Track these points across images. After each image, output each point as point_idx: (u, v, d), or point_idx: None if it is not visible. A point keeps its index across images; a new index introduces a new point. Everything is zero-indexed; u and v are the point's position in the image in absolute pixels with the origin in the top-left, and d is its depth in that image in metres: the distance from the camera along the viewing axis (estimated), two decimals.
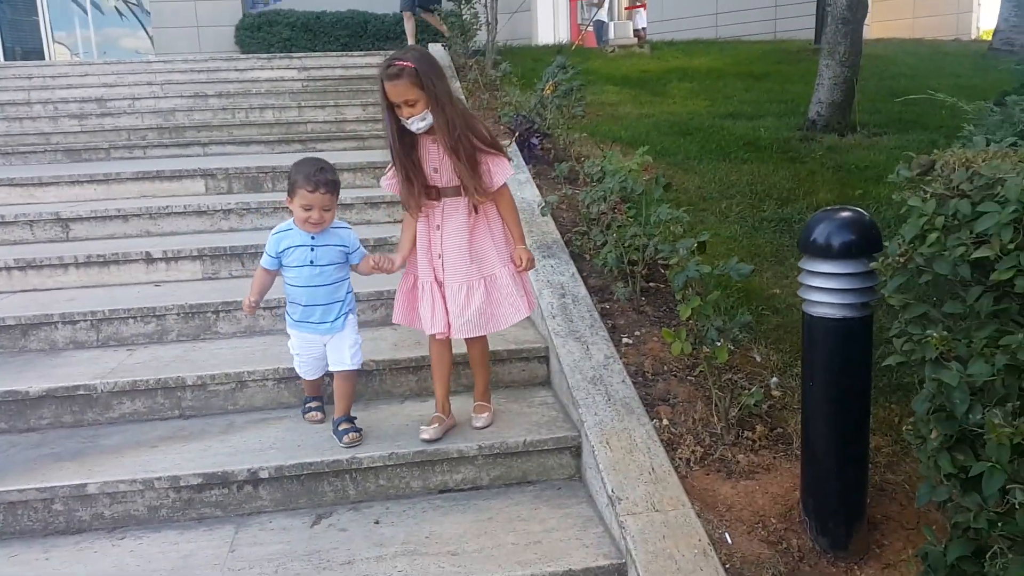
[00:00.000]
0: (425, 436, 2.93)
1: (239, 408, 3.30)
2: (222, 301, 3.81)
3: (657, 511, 2.49)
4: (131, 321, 3.74)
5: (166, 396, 3.26)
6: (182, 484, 2.76)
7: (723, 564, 2.34)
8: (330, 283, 2.97)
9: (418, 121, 2.73)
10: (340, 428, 2.97)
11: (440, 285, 2.92)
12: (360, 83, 8.79)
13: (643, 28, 18.55)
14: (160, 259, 4.30)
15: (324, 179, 2.82)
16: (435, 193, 2.87)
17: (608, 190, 3.81)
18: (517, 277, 2.99)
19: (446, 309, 2.92)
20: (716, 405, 2.92)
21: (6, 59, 14.30)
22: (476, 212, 2.90)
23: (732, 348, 3.24)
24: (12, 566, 2.53)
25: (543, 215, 4.17)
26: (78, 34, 16.11)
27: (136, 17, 16.31)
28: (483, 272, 2.92)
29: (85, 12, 16.15)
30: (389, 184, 2.96)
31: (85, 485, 2.73)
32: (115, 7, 16.41)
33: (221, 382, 3.29)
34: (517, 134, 5.27)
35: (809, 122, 6.63)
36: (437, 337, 2.97)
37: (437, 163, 2.84)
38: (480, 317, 2.92)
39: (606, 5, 20.66)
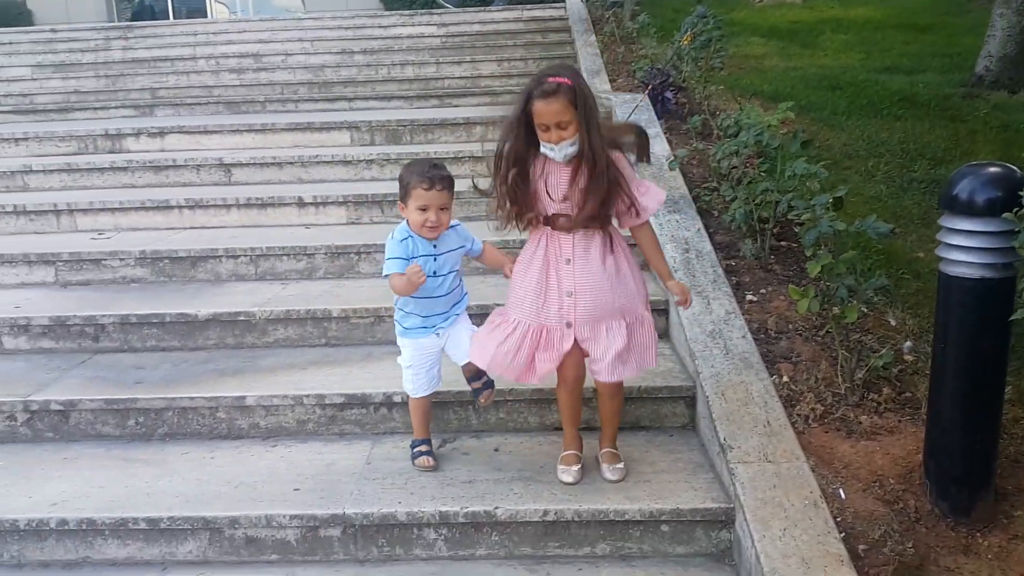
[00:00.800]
0: (567, 479, 2.68)
1: (377, 340, 3.56)
2: (363, 244, 4.09)
3: (769, 462, 2.53)
4: (285, 258, 4.08)
5: (315, 325, 3.57)
6: (327, 402, 3.05)
7: (834, 517, 2.35)
8: (451, 291, 2.71)
9: (567, 147, 2.41)
10: (473, 386, 2.86)
11: (569, 327, 2.56)
12: (496, 38, 8.93)
13: None
14: (310, 204, 4.63)
15: (439, 175, 2.54)
16: (564, 223, 2.52)
17: (742, 144, 3.76)
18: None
19: (582, 352, 2.59)
20: (842, 365, 2.89)
21: (175, 18, 15.40)
22: (612, 246, 2.56)
23: (865, 311, 3.18)
24: (184, 461, 2.91)
25: (671, 169, 4.17)
26: None
27: None
28: (624, 312, 2.58)
29: None
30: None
31: (244, 397, 3.06)
32: None
33: (362, 316, 3.56)
34: (650, 87, 5.25)
35: (975, 77, 6.18)
36: (568, 379, 2.65)
37: (567, 190, 2.49)
38: (629, 355, 2.58)
39: None
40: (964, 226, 2.24)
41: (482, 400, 2.84)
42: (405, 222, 2.61)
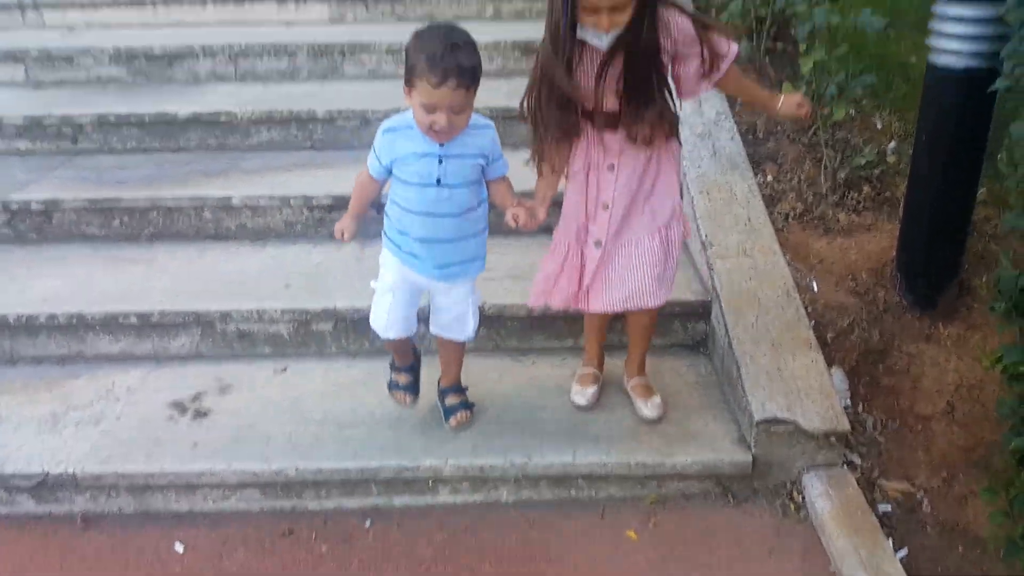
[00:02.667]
0: (580, 401, 2.39)
1: (364, 144, 3.42)
2: (347, 42, 3.93)
3: (747, 256, 2.59)
4: (265, 57, 3.93)
5: (299, 128, 3.50)
6: (314, 204, 3.05)
7: (806, 308, 2.45)
8: (462, 212, 2.03)
9: (616, 31, 1.85)
10: (448, 403, 2.33)
11: (598, 246, 2.16)
12: None
13: None
14: (291, 0, 4.40)
15: (456, 65, 1.79)
16: (611, 121, 2.03)
17: None
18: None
19: (605, 277, 2.19)
20: (825, 165, 2.90)
21: None
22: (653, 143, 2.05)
23: (853, 112, 3.14)
24: (172, 260, 2.95)
25: None
26: None
27: None
28: (657, 223, 2.14)
29: None
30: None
31: (230, 197, 3.06)
32: None
33: (347, 118, 3.49)
34: None
35: None
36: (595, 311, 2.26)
37: (617, 79, 1.96)
38: (665, 274, 2.18)
39: None
40: (955, 11, 2.17)
41: (452, 423, 2.30)
42: (412, 110, 1.92)
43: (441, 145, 1.94)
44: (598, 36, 1.87)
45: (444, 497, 2.24)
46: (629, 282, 2.15)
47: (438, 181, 1.96)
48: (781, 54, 3.60)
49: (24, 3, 4.43)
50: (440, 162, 1.95)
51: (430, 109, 1.83)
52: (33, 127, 3.50)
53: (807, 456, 2.19)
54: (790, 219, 2.79)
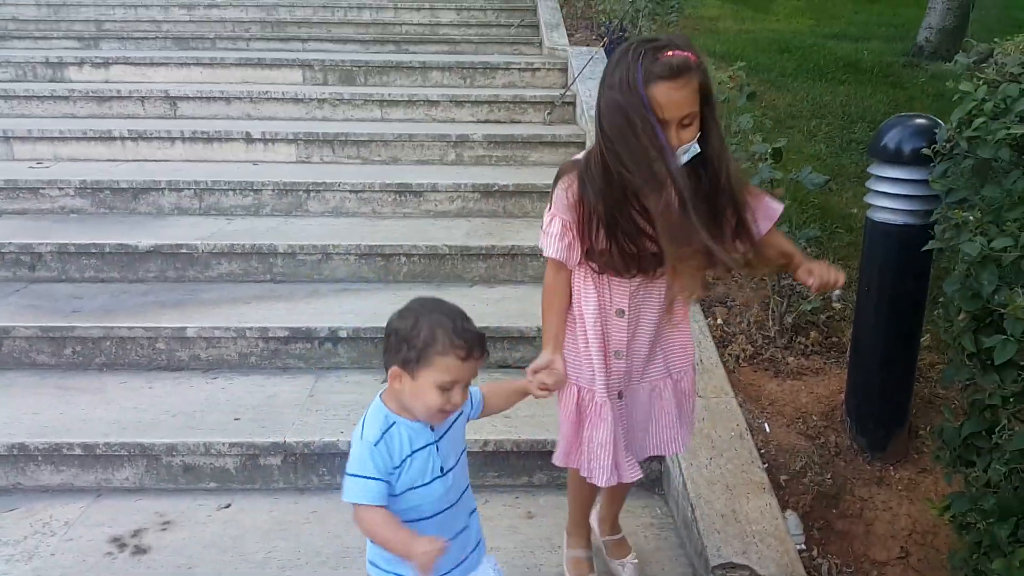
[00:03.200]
0: None
1: (323, 278, 3.56)
2: (312, 182, 4.05)
3: (700, 396, 2.62)
4: (231, 193, 4.03)
5: (260, 261, 3.54)
6: (270, 335, 3.05)
7: (759, 449, 2.47)
8: (463, 491, 1.69)
9: (685, 153, 1.63)
10: None
11: (620, 398, 1.93)
12: None
13: None
14: (259, 140, 4.55)
15: (478, 334, 1.55)
16: (651, 263, 1.79)
17: None
18: None
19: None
20: (773, 310, 3.00)
21: None
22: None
23: None
24: (122, 390, 2.89)
25: None
26: None
27: None
28: (670, 369, 1.97)
29: None
30: (559, 248, 1.80)
31: (185, 329, 3.04)
32: None
33: (309, 252, 3.55)
34: (606, 40, 5.26)
35: (916, 48, 6.36)
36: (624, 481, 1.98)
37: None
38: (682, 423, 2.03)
39: None
40: (890, 173, 2.33)
41: None
42: (379, 402, 1.60)
43: (433, 428, 1.59)
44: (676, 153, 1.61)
45: None
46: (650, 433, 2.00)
47: (442, 470, 1.60)
48: None
49: None
50: (437, 448, 1.59)
51: (448, 387, 1.51)
52: None
53: None
54: (741, 361, 2.86)
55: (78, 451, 2.56)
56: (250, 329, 3.06)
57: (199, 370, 3.05)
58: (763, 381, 2.78)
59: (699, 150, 1.63)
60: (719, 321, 3.02)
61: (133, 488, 2.59)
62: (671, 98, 1.56)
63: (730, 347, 2.90)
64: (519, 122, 4.97)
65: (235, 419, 2.71)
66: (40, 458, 2.58)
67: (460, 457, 1.66)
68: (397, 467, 1.54)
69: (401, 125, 4.80)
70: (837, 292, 3.22)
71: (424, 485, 1.57)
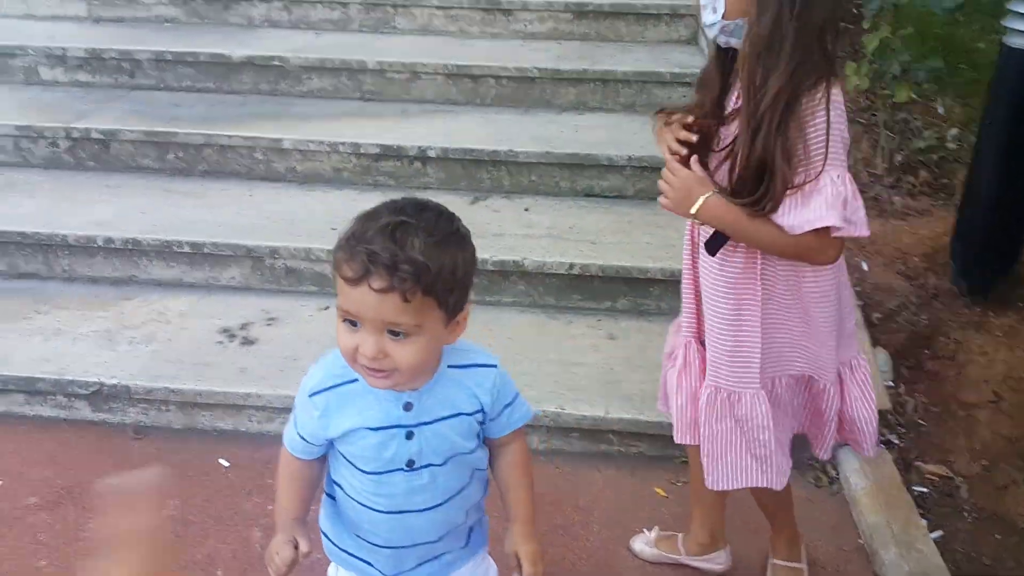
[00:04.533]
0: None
1: (412, 98, 3.52)
2: None
3: None
4: (319, 6, 3.93)
5: (349, 77, 3.51)
6: (362, 152, 3.07)
7: (854, 286, 2.42)
8: (444, 500, 1.25)
9: (718, 23, 1.36)
10: None
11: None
12: None
13: None
14: None
15: (372, 250, 1.04)
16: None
17: None
18: None
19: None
20: (883, 146, 2.85)
21: None
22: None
23: (914, 97, 3.08)
24: (224, 196, 3.00)
25: None
26: None
27: None
28: None
29: None
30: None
31: (281, 140, 3.09)
32: None
33: (398, 70, 3.49)
34: None
35: None
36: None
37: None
38: None
39: None
40: None
41: None
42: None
43: (407, 404, 1.18)
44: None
45: None
46: None
47: (409, 463, 1.20)
48: (842, 31, 3.53)
49: None
50: (409, 436, 1.19)
51: (352, 321, 1.09)
52: (94, 60, 3.55)
53: None
54: None
55: (187, 249, 2.70)
56: (343, 144, 3.08)
57: (295, 182, 3.12)
58: None
59: (734, 33, 1.32)
60: None
61: (239, 287, 2.74)
62: None
63: None
64: None
65: (332, 228, 2.78)
66: (152, 253, 2.74)
67: (453, 460, 1.22)
68: (336, 437, 1.20)
69: None
70: (953, 131, 3.03)
71: (378, 473, 1.19)
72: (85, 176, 3.13)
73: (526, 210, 2.97)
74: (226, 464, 2.21)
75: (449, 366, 1.21)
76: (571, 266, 2.65)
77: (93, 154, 3.16)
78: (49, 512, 2.04)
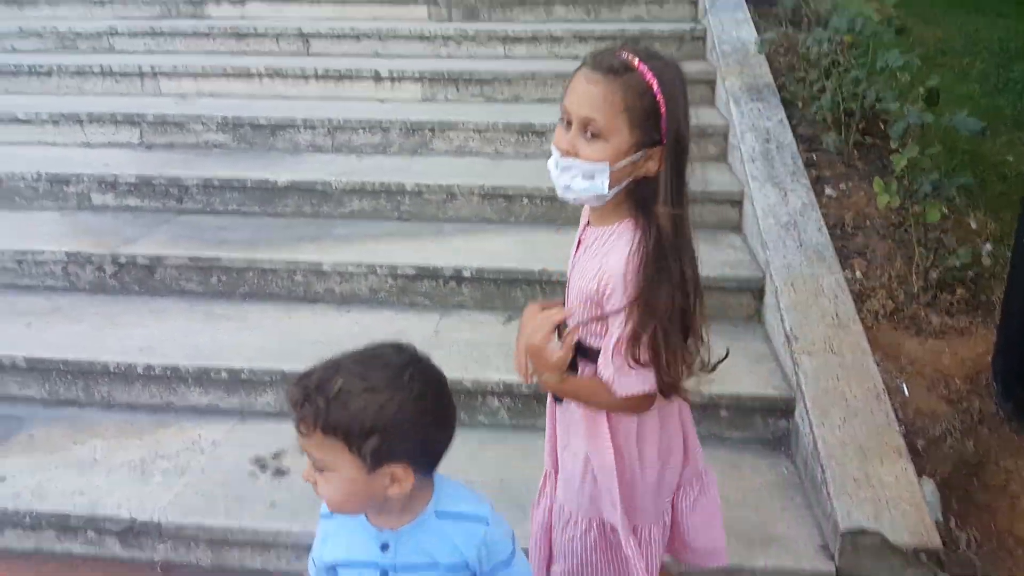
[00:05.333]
0: None
1: (448, 217, 3.61)
2: (438, 120, 4.08)
3: (834, 353, 2.53)
4: (360, 131, 4.11)
5: (388, 199, 3.63)
6: (399, 273, 3.14)
7: (896, 412, 2.37)
8: None
9: (578, 174, 1.38)
10: None
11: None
12: None
13: None
14: (386, 78, 4.60)
15: (300, 387, 1.19)
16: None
17: (834, 30, 3.58)
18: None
19: None
20: (917, 264, 2.84)
21: None
22: None
23: (945, 211, 3.08)
24: (263, 319, 3.06)
25: (758, 52, 3.99)
26: None
27: None
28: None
29: None
30: None
31: (321, 263, 3.17)
32: None
33: (434, 192, 3.60)
34: None
35: None
36: None
37: (570, 270, 1.56)
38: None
39: None
40: None
41: None
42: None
43: (384, 549, 1.21)
44: (553, 159, 1.43)
45: None
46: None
47: None
48: (870, 148, 3.58)
49: (144, 72, 4.75)
50: None
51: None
52: (143, 186, 3.72)
53: (894, 571, 2.08)
54: (880, 317, 2.73)
55: (224, 375, 2.75)
56: (380, 266, 3.16)
57: (333, 303, 3.19)
58: (903, 340, 2.65)
59: (603, 191, 1.35)
60: (857, 274, 2.88)
61: (274, 412, 2.76)
62: (576, 86, 1.36)
63: (869, 302, 2.76)
64: None
65: None
66: (190, 380, 2.78)
67: None
68: (333, 563, 1.23)
69: (524, 63, 4.74)
70: (988, 247, 3.01)
71: None
72: (129, 300, 3.22)
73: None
74: None
75: (437, 511, 1.22)
76: None
77: (138, 278, 3.27)
78: None
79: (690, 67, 4.39)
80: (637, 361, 1.39)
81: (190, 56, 5.00)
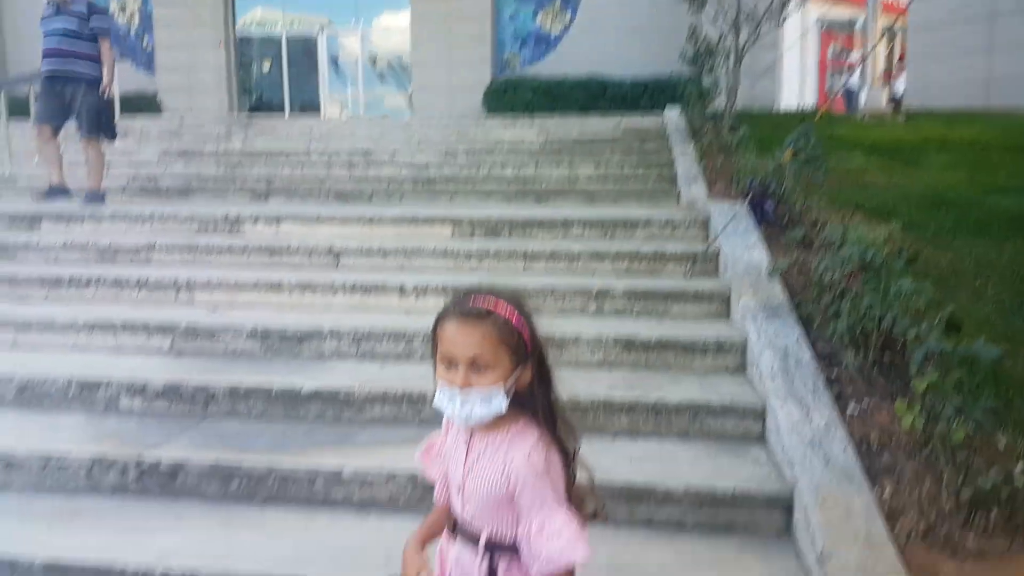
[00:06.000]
0: None
1: None
2: None
3: None
4: (385, 340, 4.25)
5: (409, 406, 3.67)
6: (418, 481, 3.11)
7: None
8: None
9: (478, 402, 1.65)
10: None
11: None
12: (593, 145, 9.26)
13: (899, 96, 17.55)
14: (411, 291, 4.82)
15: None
16: (451, 524, 1.82)
17: (845, 259, 3.77)
18: None
19: None
20: (947, 484, 2.79)
21: (291, 112, 16.52)
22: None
23: (971, 432, 3.08)
24: (283, 526, 3.01)
25: (771, 276, 4.19)
26: (348, 93, 18.22)
27: (398, 78, 18.12)
28: None
29: (356, 74, 18.20)
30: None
31: (341, 471, 3.17)
32: (380, 71, 18.36)
33: None
34: (750, 195, 5.34)
35: None
36: None
37: (463, 476, 1.76)
38: None
39: (858, 72, 19.86)
40: None
41: None
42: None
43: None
44: (448, 395, 1.70)
45: None
46: None
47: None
48: (890, 367, 3.64)
49: (179, 284, 4.99)
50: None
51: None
52: (171, 392, 3.80)
53: None
54: (913, 537, 2.65)
55: None
56: (400, 474, 3.14)
57: (352, 508, 3.14)
58: (939, 561, 2.55)
59: (501, 408, 1.65)
60: (886, 494, 2.82)
61: None
62: (454, 337, 1.67)
63: (900, 521, 2.69)
64: (660, 275, 5.04)
65: (386, 561, 2.73)
66: None
67: None
68: None
69: (543, 278, 4.96)
70: (1020, 466, 2.97)
71: None
72: (149, 505, 3.18)
73: None
74: None
75: None
76: None
77: (160, 483, 3.26)
78: None
79: (705, 284, 4.67)
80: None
81: (224, 270, 5.27)
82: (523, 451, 1.64)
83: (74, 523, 3.04)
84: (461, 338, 1.64)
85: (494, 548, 1.68)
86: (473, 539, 1.70)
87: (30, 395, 3.91)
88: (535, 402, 1.68)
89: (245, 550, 2.82)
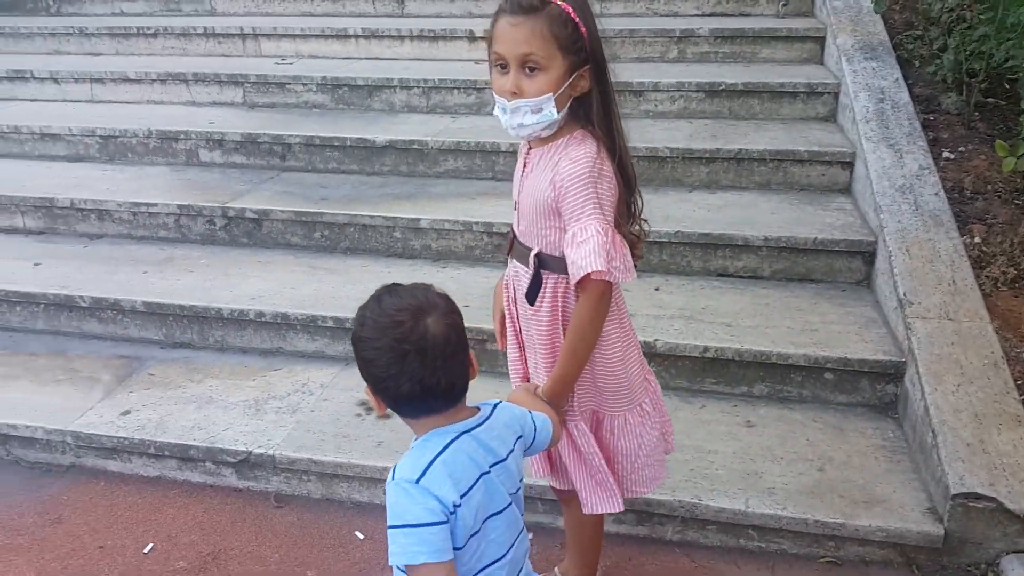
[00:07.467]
0: None
1: None
2: None
3: (950, 319, 2.42)
4: (455, 91, 4.13)
5: (483, 158, 3.64)
6: (494, 231, 3.16)
7: (1015, 380, 2.26)
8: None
9: (528, 112, 1.51)
10: None
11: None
12: None
13: None
14: (481, 38, 4.59)
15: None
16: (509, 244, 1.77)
17: None
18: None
19: None
20: None
21: None
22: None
23: None
24: (364, 272, 3.15)
25: (876, 10, 3.79)
26: None
27: None
28: None
29: None
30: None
31: (419, 220, 3.23)
32: None
33: None
34: None
35: None
36: None
37: (519, 191, 1.68)
38: None
39: None
40: None
41: None
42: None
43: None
44: (500, 106, 1.57)
45: (608, 526, 2.22)
46: None
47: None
48: (992, 109, 3.38)
49: (245, 32, 4.87)
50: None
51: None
52: (248, 144, 3.84)
53: (1008, 538, 2.01)
54: (1000, 284, 2.59)
55: (330, 323, 2.84)
56: (476, 223, 3.18)
57: (430, 259, 3.24)
58: None
59: (554, 117, 1.50)
60: (976, 239, 2.73)
61: None
62: (503, 33, 1.49)
63: (988, 268, 2.63)
64: (749, 15, 4.64)
65: (465, 305, 2.83)
66: (298, 327, 2.89)
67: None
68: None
69: (621, 20, 4.63)
70: None
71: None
72: (238, 252, 3.36)
73: (656, 290, 2.95)
74: (361, 536, 2.27)
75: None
76: (705, 349, 2.60)
77: (246, 231, 3.40)
78: None
79: (797, 23, 4.29)
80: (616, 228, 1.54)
81: (289, 18, 5.10)
82: (572, 158, 1.51)
83: (167, 268, 3.24)
84: (512, 32, 1.47)
85: (543, 263, 1.62)
86: (526, 256, 1.64)
87: (113, 148, 4.03)
88: (592, 112, 1.53)
89: (331, 295, 2.98)
